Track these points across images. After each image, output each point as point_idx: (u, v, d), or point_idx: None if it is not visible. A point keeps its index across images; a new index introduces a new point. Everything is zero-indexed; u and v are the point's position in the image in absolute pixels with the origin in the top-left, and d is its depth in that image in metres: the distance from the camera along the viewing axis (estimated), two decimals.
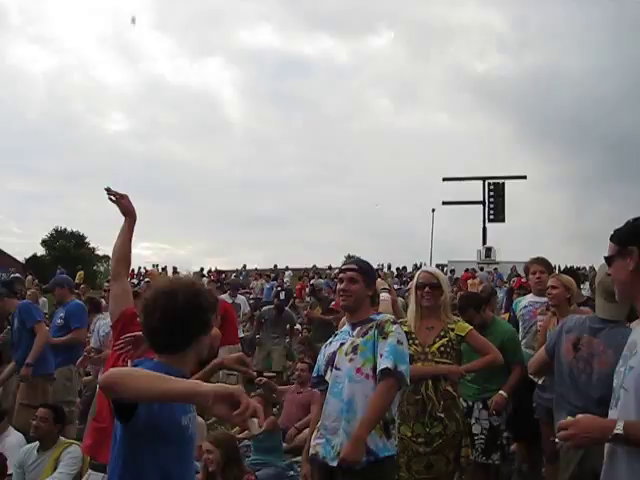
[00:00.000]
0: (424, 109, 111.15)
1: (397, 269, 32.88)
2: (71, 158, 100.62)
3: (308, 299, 19.90)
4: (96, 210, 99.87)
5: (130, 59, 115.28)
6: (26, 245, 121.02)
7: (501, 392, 5.29)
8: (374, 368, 3.52)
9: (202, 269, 32.75)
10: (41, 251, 66.56)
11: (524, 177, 40.26)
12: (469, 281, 21.65)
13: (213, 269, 33.70)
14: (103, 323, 7.41)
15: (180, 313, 2.47)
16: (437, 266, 27.04)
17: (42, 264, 48.46)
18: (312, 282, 20.65)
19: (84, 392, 8.25)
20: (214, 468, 4.93)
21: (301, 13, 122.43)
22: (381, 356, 3.51)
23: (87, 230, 71.98)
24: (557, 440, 2.35)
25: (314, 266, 34.07)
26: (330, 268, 34.53)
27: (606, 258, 2.55)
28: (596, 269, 4.64)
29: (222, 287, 15.52)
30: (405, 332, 4.37)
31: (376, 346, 3.56)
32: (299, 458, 7.40)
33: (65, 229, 68.07)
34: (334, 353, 3.69)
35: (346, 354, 3.63)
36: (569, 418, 2.35)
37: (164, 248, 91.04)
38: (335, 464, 3.49)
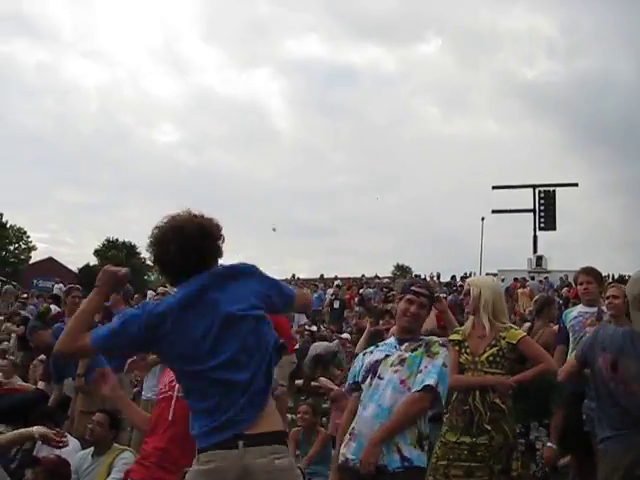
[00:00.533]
0: (472, 116, 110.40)
1: (451, 277, 32.58)
2: (122, 169, 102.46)
3: (357, 309, 19.89)
4: (147, 220, 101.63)
5: (179, 71, 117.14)
6: (79, 255, 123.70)
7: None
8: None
9: None
10: (94, 261, 67.62)
11: (575, 184, 39.74)
12: (519, 290, 21.40)
13: None
14: None
15: (193, 242, 2.72)
16: (487, 275, 26.82)
17: (95, 274, 49.10)
18: (361, 292, 20.67)
19: None
20: None
21: (348, 22, 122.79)
22: (421, 372, 3.62)
23: (138, 240, 73.13)
24: None
25: (363, 276, 34.03)
26: (378, 277, 34.51)
27: None
28: None
29: None
30: (458, 341, 4.39)
31: (421, 362, 3.67)
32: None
33: (117, 239, 69.27)
34: (377, 362, 3.75)
35: (392, 365, 3.70)
36: None
37: None
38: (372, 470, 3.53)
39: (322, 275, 33.18)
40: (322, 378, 8.16)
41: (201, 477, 2.56)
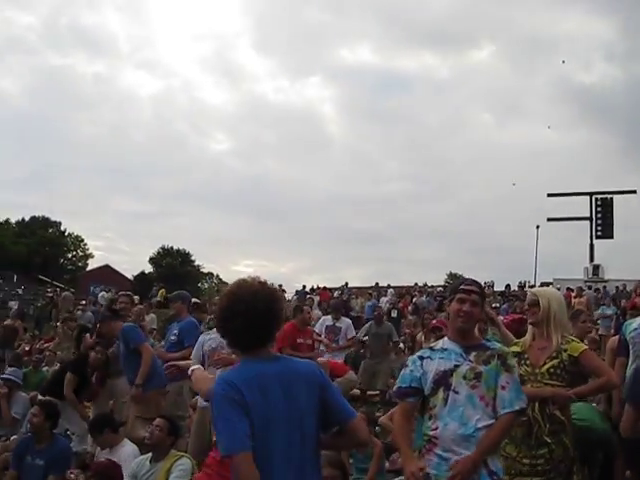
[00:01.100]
0: (527, 122, 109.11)
1: (505, 286, 32.14)
2: (176, 178, 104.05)
3: (411, 317, 19.80)
4: (200, 228, 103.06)
5: (232, 80, 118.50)
6: (135, 263, 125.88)
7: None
8: (494, 397, 3.57)
9: (304, 287, 32.88)
10: (149, 268, 68.78)
11: (634, 192, 38.82)
12: (575, 300, 21.00)
13: (315, 287, 33.85)
14: (208, 338, 7.59)
15: (261, 318, 2.83)
16: (542, 284, 26.43)
17: (150, 281, 49.94)
18: (415, 300, 20.56)
19: None
20: None
21: (400, 29, 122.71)
22: (503, 388, 3.57)
23: (192, 248, 74.07)
24: None
25: (416, 284, 33.82)
26: (432, 286, 34.23)
27: None
28: None
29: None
30: (517, 353, 4.32)
31: (498, 377, 3.59)
32: (402, 478, 7.42)
33: (171, 247, 70.20)
34: (446, 373, 3.63)
35: (465, 378, 3.59)
36: None
37: (265, 265, 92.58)
38: None
39: (377, 283, 33.03)
40: None
41: None
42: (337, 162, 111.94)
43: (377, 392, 11.24)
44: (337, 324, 11.46)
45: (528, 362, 4.39)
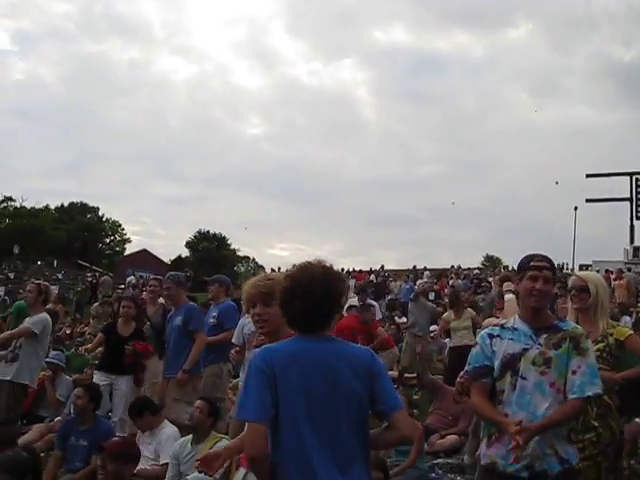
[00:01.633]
0: (565, 102, 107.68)
1: None
2: (212, 162, 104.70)
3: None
4: (236, 212, 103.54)
5: (266, 64, 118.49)
6: (171, 247, 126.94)
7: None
8: (565, 382, 3.38)
9: (342, 270, 32.87)
10: (185, 252, 69.30)
11: None
12: (615, 282, 20.71)
13: (351, 269, 33.82)
14: (248, 322, 7.60)
15: (319, 302, 2.82)
16: (581, 267, 26.14)
17: (186, 265, 50.34)
18: (452, 283, 20.45)
19: None
20: None
21: (434, 9, 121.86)
22: (574, 373, 3.37)
23: (228, 232, 74.48)
24: None
25: (452, 266, 33.67)
26: (468, 269, 34.03)
27: None
28: None
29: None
30: None
31: (569, 360, 3.40)
32: (440, 460, 7.44)
33: (208, 231, 70.61)
34: (514, 356, 3.45)
35: (535, 364, 3.41)
36: None
37: (301, 249, 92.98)
38: (526, 475, 3.33)
39: (415, 266, 32.94)
40: None
41: None
42: (371, 145, 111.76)
43: (414, 375, 11.18)
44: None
45: None
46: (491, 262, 58.13)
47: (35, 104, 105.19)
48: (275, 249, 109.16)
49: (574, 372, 3.36)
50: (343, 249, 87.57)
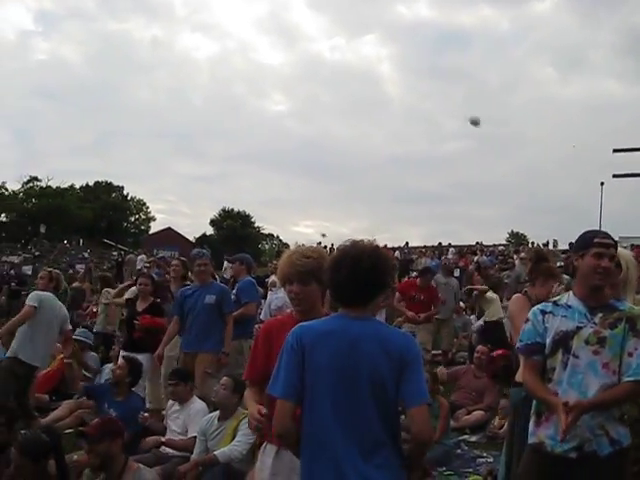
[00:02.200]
0: (592, 76, 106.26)
1: (569, 245, 31.52)
2: (235, 139, 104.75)
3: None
4: (260, 190, 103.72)
5: (288, 40, 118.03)
6: (196, 225, 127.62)
7: None
8: (620, 364, 3.25)
9: None
10: (210, 230, 69.60)
11: None
12: None
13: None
14: (275, 297, 7.67)
15: (364, 274, 2.79)
16: None
17: (211, 243, 50.59)
18: (477, 259, 20.35)
19: None
20: None
21: None
22: (631, 355, 3.24)
23: (252, 209, 74.63)
24: None
25: (478, 243, 33.49)
26: (494, 245, 33.85)
27: None
28: None
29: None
30: None
31: (625, 342, 3.27)
32: (466, 437, 7.44)
33: (232, 209, 70.80)
34: (566, 334, 3.34)
35: (588, 343, 3.30)
36: None
37: (326, 226, 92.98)
38: (574, 455, 3.22)
39: (440, 243, 32.83)
40: None
41: None
42: (395, 121, 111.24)
43: (440, 352, 11.13)
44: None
45: None
46: (516, 238, 57.75)
47: (58, 84, 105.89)
48: (299, 226, 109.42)
49: (630, 354, 3.24)
50: (368, 226, 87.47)
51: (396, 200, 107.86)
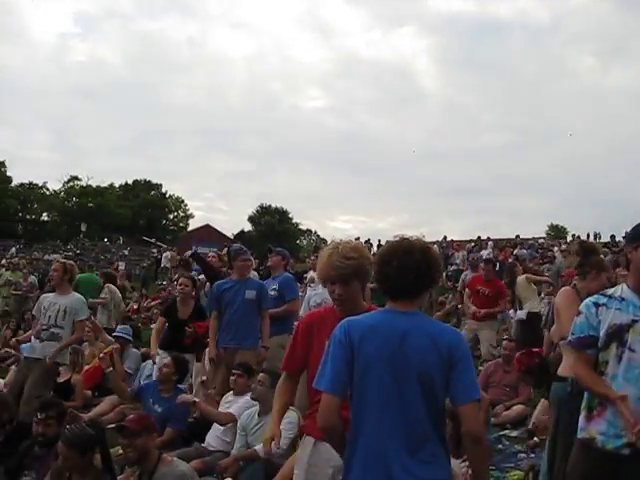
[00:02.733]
0: (634, 65, 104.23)
1: (610, 237, 31.05)
2: (272, 136, 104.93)
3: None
4: (297, 186, 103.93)
5: (324, 36, 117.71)
6: (234, 222, 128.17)
7: None
8: None
9: None
10: (248, 227, 69.91)
11: None
12: None
13: None
14: (314, 294, 7.68)
15: (415, 268, 2.81)
16: None
17: (249, 239, 50.83)
18: (515, 252, 20.15)
19: None
20: None
21: None
22: None
23: (290, 205, 74.79)
24: None
25: (517, 236, 33.13)
26: (533, 238, 33.47)
27: None
28: None
29: None
30: None
31: None
32: (506, 432, 7.38)
33: (269, 205, 71.11)
34: (621, 327, 3.25)
35: None
36: None
37: (363, 221, 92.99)
38: (627, 452, 3.14)
39: (479, 237, 32.56)
40: None
41: None
42: (433, 114, 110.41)
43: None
44: None
45: None
46: (556, 231, 57.00)
47: (97, 84, 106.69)
48: (337, 222, 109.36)
49: None
50: (406, 221, 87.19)
51: (434, 194, 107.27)
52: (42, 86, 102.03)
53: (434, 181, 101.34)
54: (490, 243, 28.97)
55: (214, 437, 6.15)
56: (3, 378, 9.60)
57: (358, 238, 34.50)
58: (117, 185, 73.43)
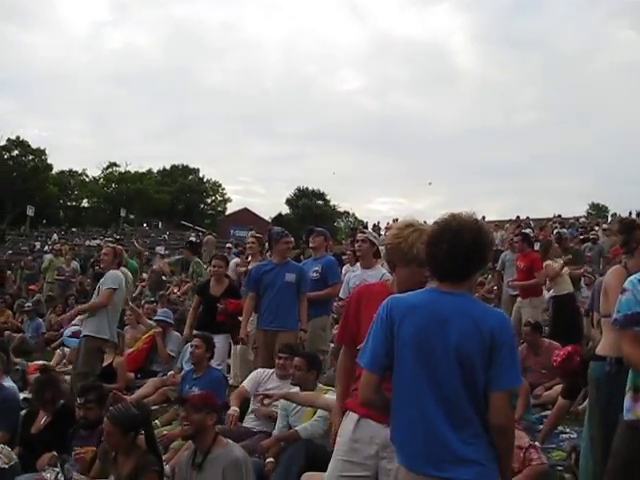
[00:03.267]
0: None
1: None
2: (308, 118, 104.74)
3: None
4: (334, 168, 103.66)
5: (357, 17, 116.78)
6: (271, 205, 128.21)
7: None
8: None
9: None
10: (285, 210, 69.98)
11: None
12: None
13: None
14: (353, 275, 7.67)
15: (465, 249, 2.75)
16: None
17: (287, 222, 50.93)
18: (557, 231, 19.88)
19: None
20: None
21: None
22: None
23: (327, 188, 74.64)
24: None
25: (559, 215, 32.72)
26: (575, 218, 33.03)
27: None
28: None
29: None
30: None
31: None
32: (547, 412, 7.30)
33: (307, 188, 71.02)
34: None
35: None
36: None
37: (401, 202, 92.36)
38: None
39: (518, 217, 32.23)
40: None
41: None
42: (470, 93, 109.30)
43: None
44: None
45: None
46: (597, 210, 56.17)
47: (133, 71, 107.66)
48: (374, 203, 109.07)
49: None
50: (443, 201, 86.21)
51: (472, 174, 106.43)
52: (79, 74, 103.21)
53: (472, 161, 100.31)
54: (530, 222, 28.69)
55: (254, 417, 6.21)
56: (49, 361, 9.79)
57: (396, 220, 34.51)
58: (155, 170, 74.13)
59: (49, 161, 65.75)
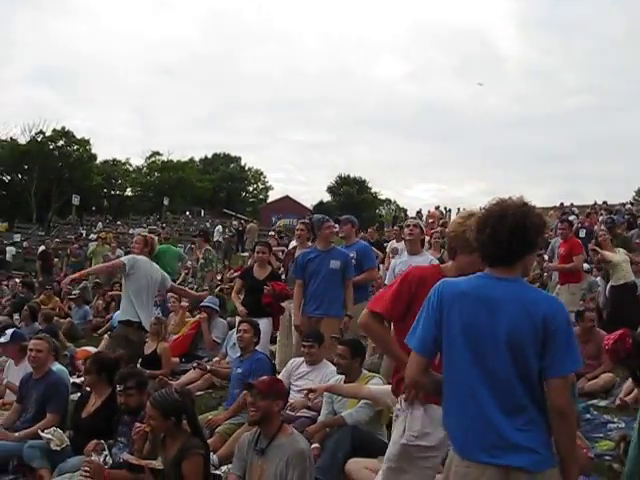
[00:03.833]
0: None
1: None
2: (349, 106, 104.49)
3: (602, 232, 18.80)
4: (375, 155, 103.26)
5: (398, 2, 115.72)
6: (313, 192, 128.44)
7: None
8: None
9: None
10: (327, 197, 69.97)
11: None
12: None
13: None
14: (399, 262, 7.67)
15: (508, 233, 2.74)
16: None
17: (329, 210, 50.91)
18: (610, 217, 19.54)
19: None
20: None
21: None
22: None
23: (368, 175, 74.42)
24: None
25: (604, 202, 32.17)
26: (622, 204, 32.43)
27: None
28: None
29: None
30: None
31: None
32: (595, 401, 7.24)
33: (348, 175, 70.84)
34: None
35: None
36: None
37: (442, 189, 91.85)
38: None
39: (562, 203, 31.80)
40: None
41: None
42: (514, 79, 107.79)
43: None
44: None
45: None
46: None
47: (174, 60, 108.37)
48: (415, 190, 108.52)
49: None
50: (485, 188, 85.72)
51: (515, 160, 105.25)
52: (122, 64, 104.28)
53: (515, 147, 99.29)
54: (574, 209, 28.28)
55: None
56: (96, 347, 9.95)
57: (438, 207, 34.35)
58: (197, 159, 74.63)
59: (93, 151, 66.61)
